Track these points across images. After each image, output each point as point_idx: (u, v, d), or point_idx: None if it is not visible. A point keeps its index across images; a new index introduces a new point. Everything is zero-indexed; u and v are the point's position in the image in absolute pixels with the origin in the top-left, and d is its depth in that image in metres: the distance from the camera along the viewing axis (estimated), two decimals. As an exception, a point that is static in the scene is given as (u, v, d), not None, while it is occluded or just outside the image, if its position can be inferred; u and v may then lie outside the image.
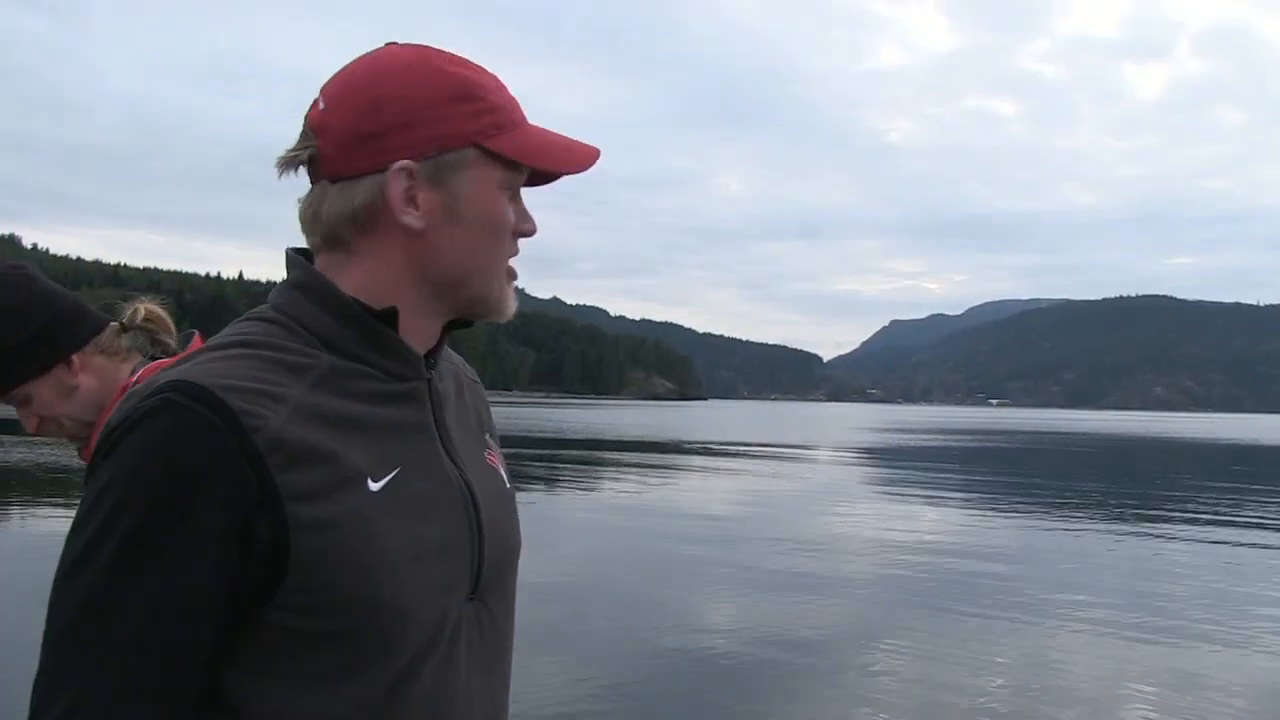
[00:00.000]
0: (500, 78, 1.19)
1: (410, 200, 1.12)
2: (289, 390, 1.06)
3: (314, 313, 1.12)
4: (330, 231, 1.13)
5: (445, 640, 1.11)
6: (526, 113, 1.18)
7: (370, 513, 1.05)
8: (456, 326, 1.24)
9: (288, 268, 1.17)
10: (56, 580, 1.00)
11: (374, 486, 1.07)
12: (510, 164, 1.13)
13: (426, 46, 1.16)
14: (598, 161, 1.19)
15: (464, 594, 1.14)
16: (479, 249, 1.14)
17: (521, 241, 1.19)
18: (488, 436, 1.33)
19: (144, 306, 1.96)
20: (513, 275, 1.19)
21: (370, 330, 1.13)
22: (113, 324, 1.94)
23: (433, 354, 1.21)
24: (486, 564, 1.17)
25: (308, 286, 1.14)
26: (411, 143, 1.11)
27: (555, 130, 1.18)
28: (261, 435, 1.01)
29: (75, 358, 1.89)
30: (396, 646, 1.06)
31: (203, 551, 0.98)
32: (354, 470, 1.06)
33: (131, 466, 0.99)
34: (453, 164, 1.12)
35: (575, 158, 1.17)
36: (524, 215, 1.18)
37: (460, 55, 1.17)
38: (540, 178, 1.21)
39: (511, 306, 1.19)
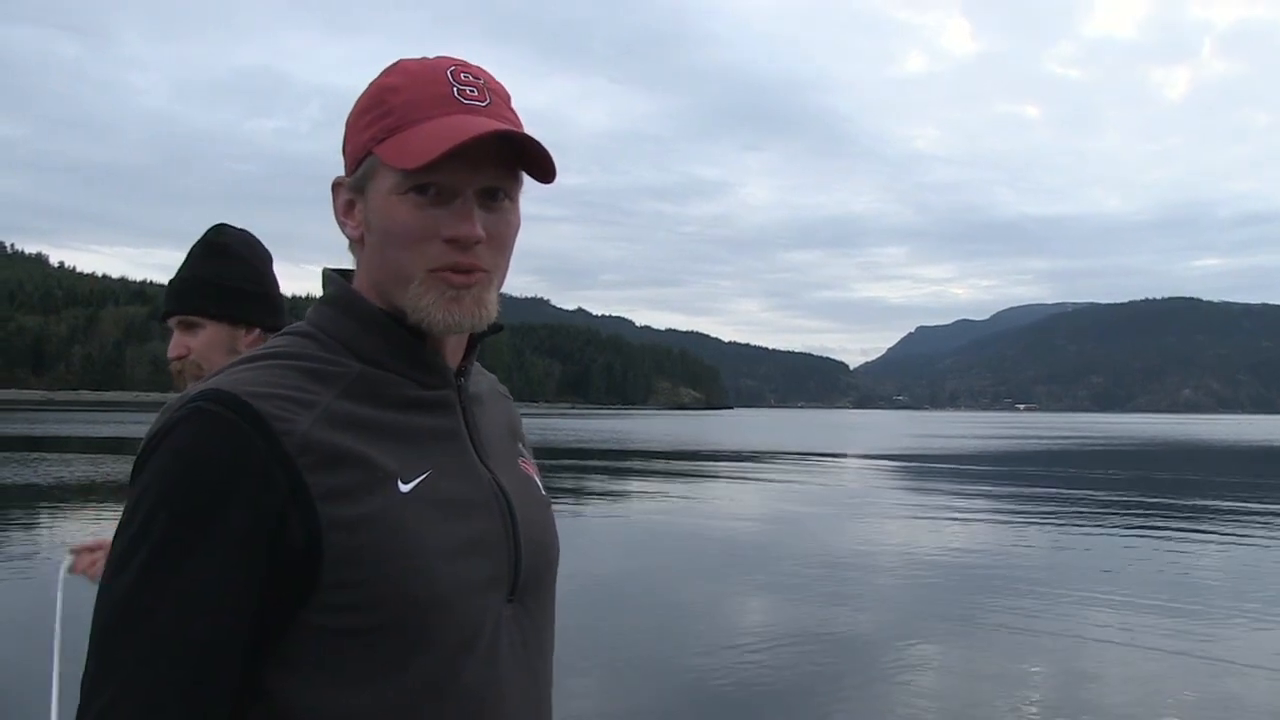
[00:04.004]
0: (480, 68, 1.15)
1: (348, 211, 1.17)
2: (317, 396, 1.08)
3: (342, 323, 1.16)
4: None
5: (486, 639, 1.11)
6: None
7: (402, 511, 1.06)
8: (483, 336, 1.23)
9: (323, 285, 1.21)
10: (100, 585, 1.02)
11: (404, 488, 1.08)
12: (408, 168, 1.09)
13: (409, 59, 1.16)
14: (484, 137, 1.07)
15: (503, 594, 1.15)
16: (385, 257, 1.13)
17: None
18: (521, 446, 1.34)
19: None
20: (451, 283, 1.11)
21: (395, 339, 1.15)
22: None
23: (463, 364, 1.23)
24: (524, 566, 1.18)
25: (336, 300, 1.18)
26: (349, 157, 1.16)
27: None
28: (290, 438, 1.03)
29: (257, 331, 2.09)
30: (437, 640, 1.07)
31: (234, 552, 1.00)
32: (384, 472, 1.07)
33: (164, 471, 1.01)
34: (366, 174, 1.13)
35: (438, 145, 1.06)
36: (451, 220, 1.10)
37: (424, 58, 1.15)
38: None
39: (439, 317, 1.12)
